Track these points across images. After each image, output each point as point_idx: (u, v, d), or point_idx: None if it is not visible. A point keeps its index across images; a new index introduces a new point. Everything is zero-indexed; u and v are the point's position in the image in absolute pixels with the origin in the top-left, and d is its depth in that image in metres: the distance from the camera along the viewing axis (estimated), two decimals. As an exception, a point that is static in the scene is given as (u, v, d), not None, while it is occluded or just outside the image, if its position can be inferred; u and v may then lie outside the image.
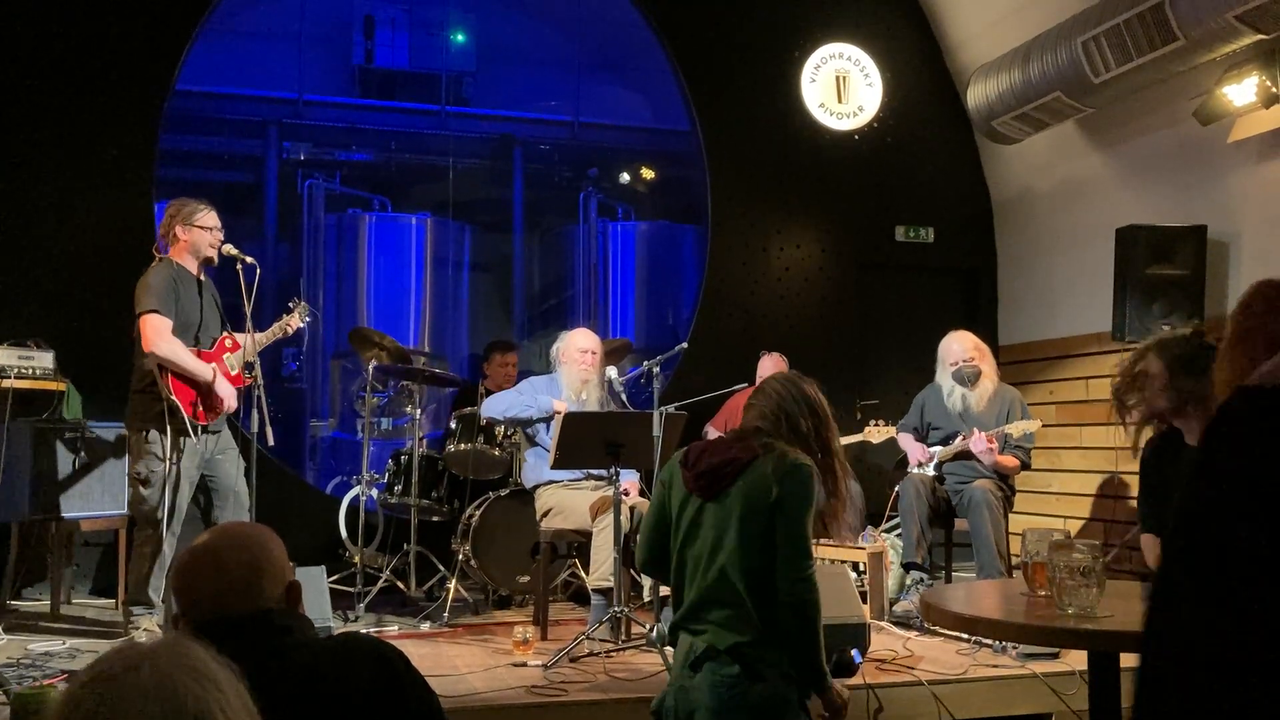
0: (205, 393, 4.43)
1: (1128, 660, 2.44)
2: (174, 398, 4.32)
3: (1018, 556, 4.05)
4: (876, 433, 5.67)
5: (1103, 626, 2.27)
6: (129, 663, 1.14)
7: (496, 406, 5.02)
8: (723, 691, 2.45)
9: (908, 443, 5.54)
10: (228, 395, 4.49)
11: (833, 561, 4.80)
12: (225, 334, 4.65)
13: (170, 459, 4.34)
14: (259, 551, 1.89)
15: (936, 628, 4.59)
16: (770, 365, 6.03)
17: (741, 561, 2.50)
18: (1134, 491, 6.18)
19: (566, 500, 4.83)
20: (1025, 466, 5.36)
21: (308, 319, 4.90)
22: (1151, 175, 6.27)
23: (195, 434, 4.37)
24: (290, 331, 4.83)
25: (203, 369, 4.42)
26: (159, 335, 4.33)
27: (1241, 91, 5.40)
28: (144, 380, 4.43)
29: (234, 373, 4.60)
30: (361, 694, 1.75)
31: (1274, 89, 5.29)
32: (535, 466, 5.02)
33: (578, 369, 5.01)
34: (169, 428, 4.32)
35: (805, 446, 2.64)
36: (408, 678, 1.83)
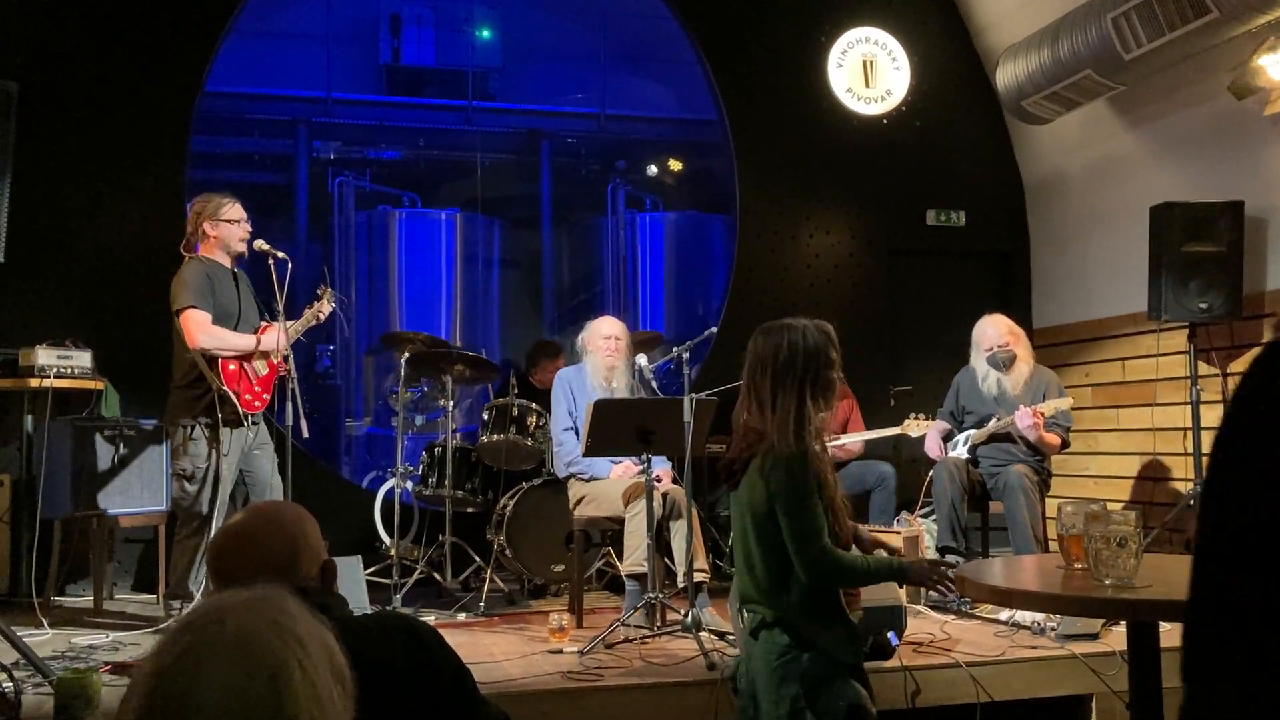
0: (256, 373, 4.51)
1: (1167, 633, 2.41)
2: (225, 388, 4.38)
3: (1055, 541, 4.01)
4: (915, 426, 5.60)
5: (1141, 596, 2.24)
6: (214, 615, 1.15)
7: (564, 462, 5.01)
8: (773, 659, 2.58)
9: (931, 437, 5.50)
10: (274, 344, 4.55)
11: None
12: (265, 324, 4.70)
13: (220, 451, 4.40)
14: (295, 531, 1.91)
15: (974, 611, 4.57)
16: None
17: (760, 553, 2.66)
18: (1173, 472, 6.11)
19: (598, 488, 4.84)
20: (1066, 445, 5.31)
21: (334, 304, 4.92)
22: (1186, 152, 6.17)
23: (246, 423, 4.44)
24: (323, 317, 4.85)
25: (247, 340, 4.52)
26: (200, 329, 4.39)
27: (1277, 63, 5.31)
28: (188, 375, 4.48)
29: (275, 360, 4.65)
30: (396, 669, 1.76)
31: (1310, 60, 5.20)
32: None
33: (603, 356, 5.00)
34: (219, 419, 4.38)
35: (764, 409, 2.69)
36: (441, 652, 1.84)
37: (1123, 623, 3.41)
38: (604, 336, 5.04)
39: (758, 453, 2.66)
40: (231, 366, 4.53)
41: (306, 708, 1.11)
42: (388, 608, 5.02)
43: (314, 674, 1.13)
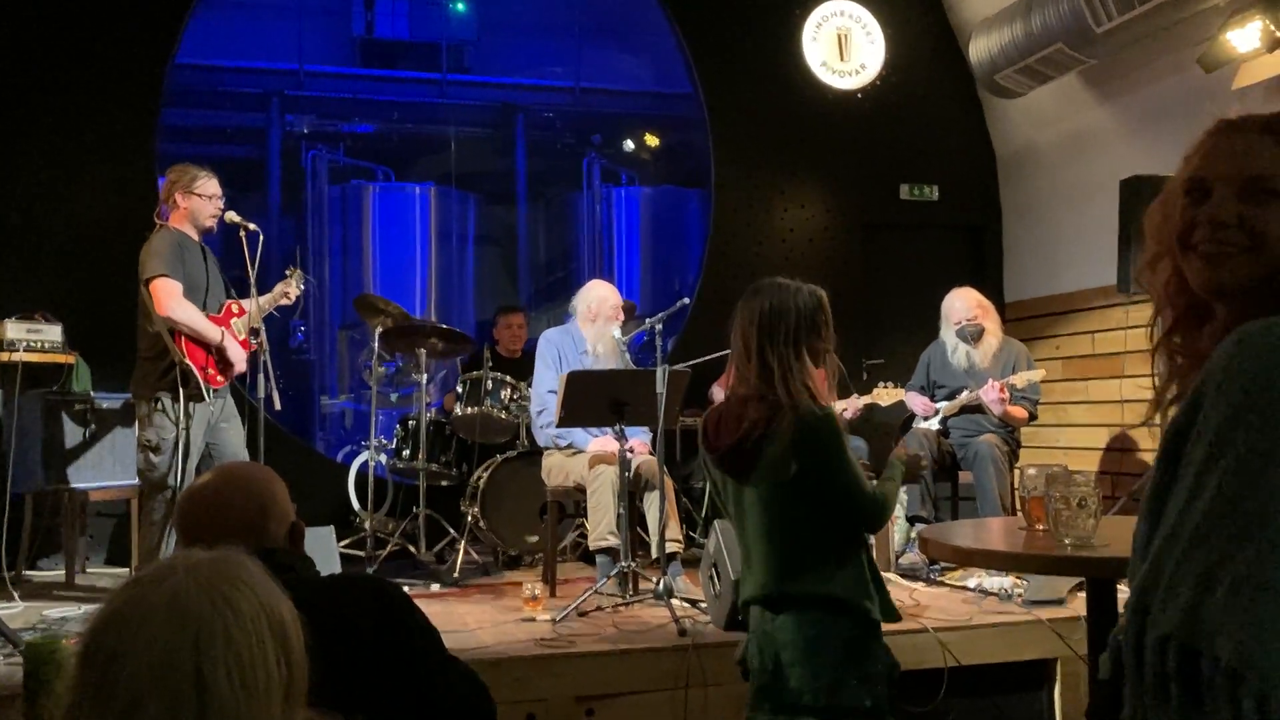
0: (217, 355, 4.46)
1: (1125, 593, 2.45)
2: (188, 361, 4.34)
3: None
4: (885, 395, 5.63)
5: (1099, 554, 2.28)
6: (158, 575, 1.18)
7: (540, 425, 4.96)
8: (809, 629, 2.48)
9: (912, 399, 5.56)
10: (238, 358, 4.52)
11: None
12: (231, 300, 4.66)
13: (180, 425, 4.36)
14: (263, 492, 1.91)
15: (943, 579, 4.63)
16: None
17: (797, 531, 2.53)
18: (1141, 444, 6.18)
19: (569, 458, 4.84)
20: (1033, 417, 5.36)
21: (304, 285, 4.89)
22: (1156, 125, 6.22)
23: (209, 396, 4.40)
24: (291, 298, 4.82)
25: (213, 330, 4.45)
26: (171, 298, 4.34)
27: (1245, 37, 5.33)
28: (154, 347, 4.43)
29: (241, 337, 4.61)
30: (363, 629, 1.77)
31: (1278, 33, 5.23)
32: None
33: (608, 325, 4.91)
34: (181, 393, 4.34)
35: (769, 377, 2.57)
36: (408, 611, 1.85)
37: (1087, 587, 3.46)
38: (613, 306, 4.93)
39: (764, 432, 2.51)
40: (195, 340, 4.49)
41: (228, 673, 1.12)
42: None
43: (243, 641, 1.14)
